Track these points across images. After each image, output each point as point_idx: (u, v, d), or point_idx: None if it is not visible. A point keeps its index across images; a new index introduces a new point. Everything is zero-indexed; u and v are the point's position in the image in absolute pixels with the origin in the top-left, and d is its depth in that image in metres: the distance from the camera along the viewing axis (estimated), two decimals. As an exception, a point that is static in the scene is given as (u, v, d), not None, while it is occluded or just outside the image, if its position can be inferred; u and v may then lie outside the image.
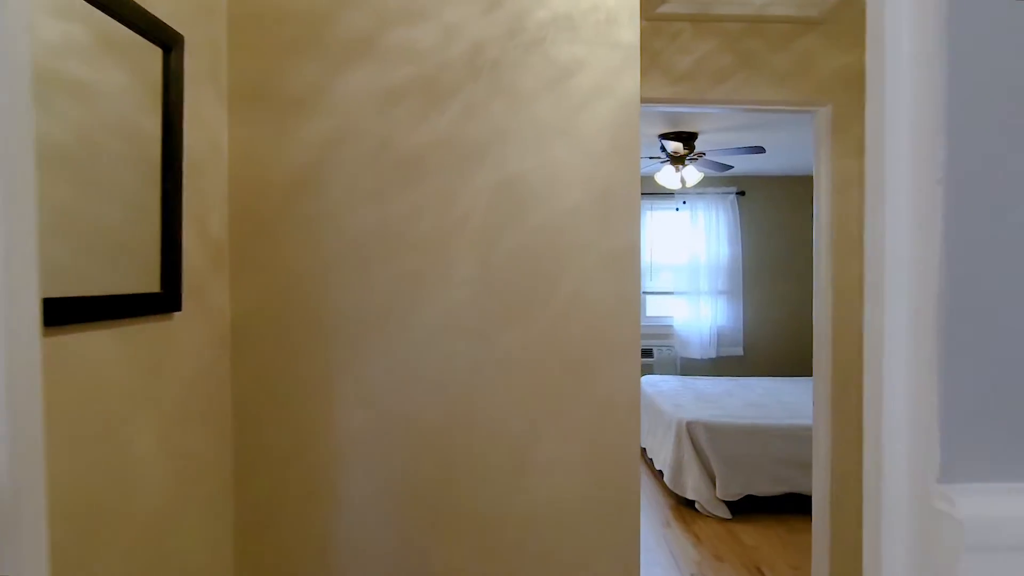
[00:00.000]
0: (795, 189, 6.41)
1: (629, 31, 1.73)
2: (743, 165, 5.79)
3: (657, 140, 4.65)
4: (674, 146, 4.38)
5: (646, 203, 6.35)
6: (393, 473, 1.73)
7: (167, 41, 1.41)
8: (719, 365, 6.46)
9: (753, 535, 3.82)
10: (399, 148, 1.73)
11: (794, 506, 4.14)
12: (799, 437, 4.09)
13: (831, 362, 2.52)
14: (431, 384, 1.73)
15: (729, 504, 4.14)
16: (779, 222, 6.43)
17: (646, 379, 5.77)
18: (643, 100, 2.33)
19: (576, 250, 1.73)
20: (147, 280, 1.36)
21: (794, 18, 2.44)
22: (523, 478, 1.74)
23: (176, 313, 1.45)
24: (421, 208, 1.73)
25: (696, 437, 4.25)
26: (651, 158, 4.63)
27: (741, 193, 6.40)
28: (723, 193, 6.35)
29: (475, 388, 1.73)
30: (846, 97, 2.50)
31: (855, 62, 2.50)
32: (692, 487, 4.20)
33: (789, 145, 4.89)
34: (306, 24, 1.73)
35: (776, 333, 6.45)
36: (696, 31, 2.52)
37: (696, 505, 4.20)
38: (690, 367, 6.49)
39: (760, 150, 4.36)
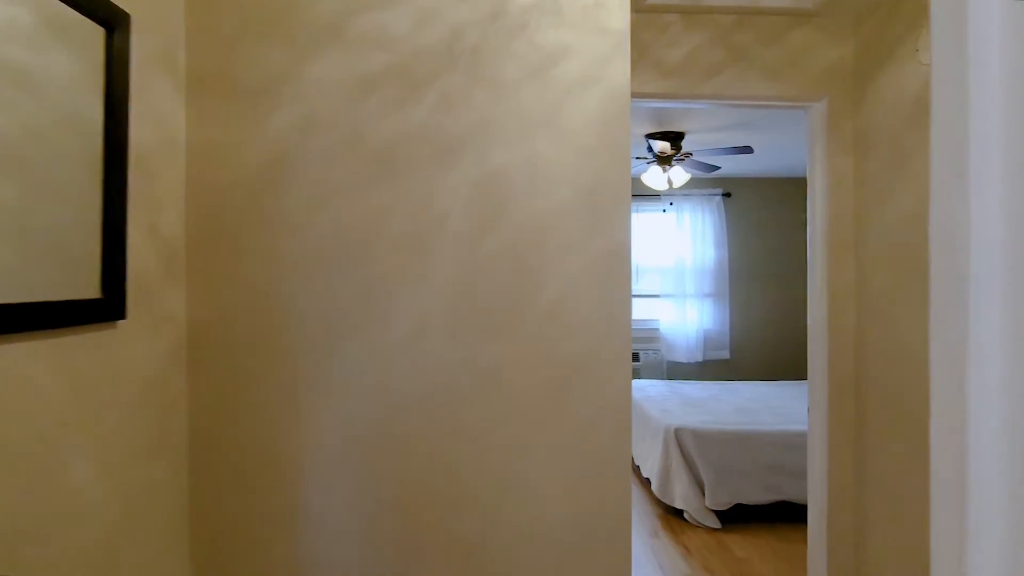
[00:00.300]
0: (781, 191, 6.37)
1: (618, 16, 1.62)
2: (729, 167, 5.73)
3: (643, 140, 4.56)
4: (661, 146, 4.29)
5: (632, 204, 6.26)
6: (367, 495, 1.59)
7: (110, 19, 1.27)
8: (706, 369, 6.39)
9: (744, 546, 3.73)
10: (371, 141, 1.60)
11: (784, 515, 4.06)
12: (789, 444, 4.01)
13: (827, 368, 2.43)
14: (407, 397, 1.60)
15: (718, 513, 4.04)
16: (765, 224, 6.38)
17: (633, 383, 5.67)
18: (632, 95, 2.22)
19: (563, 251, 1.61)
20: (85, 285, 1.22)
21: (787, 10, 2.36)
22: (507, 497, 1.61)
23: (120, 322, 1.30)
24: (395, 206, 1.60)
25: (684, 444, 4.15)
26: (637, 158, 4.54)
27: (727, 195, 6.34)
28: (709, 195, 6.29)
29: (454, 401, 1.60)
30: (841, 92, 2.42)
31: (850, 55, 2.42)
32: (680, 496, 4.10)
33: (776, 146, 4.83)
34: (271, 6, 1.59)
35: (763, 336, 6.40)
36: (686, 23, 2.42)
37: (685, 514, 4.10)
38: (677, 371, 6.41)
39: (748, 150, 4.29)
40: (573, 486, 1.61)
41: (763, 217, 6.39)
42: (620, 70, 1.61)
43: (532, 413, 1.61)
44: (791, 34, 2.43)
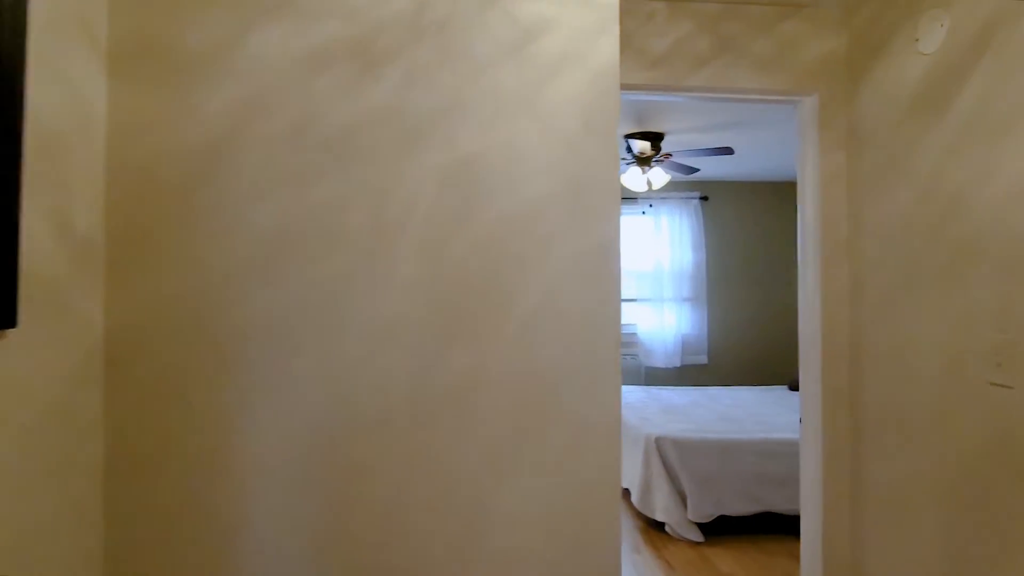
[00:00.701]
0: (758, 195, 6.33)
1: (605, -12, 1.45)
2: (707, 170, 5.65)
3: (623, 140, 4.43)
4: (641, 146, 4.16)
5: (609, 208, 6.12)
6: (317, 528, 1.38)
7: (-2, -36, 1.05)
8: (684, 374, 6.29)
9: (728, 560, 3.59)
10: (325, 125, 1.40)
11: (768, 526, 3.94)
12: (772, 452, 3.91)
13: (820, 377, 2.29)
14: (364, 417, 1.40)
15: (701, 526, 3.90)
16: (742, 228, 6.32)
17: (611, 391, 5.51)
18: (615, 83, 2.06)
19: (544, 249, 1.43)
20: (-37, 286, 0.99)
21: (777, -1, 2.23)
22: (479, 530, 1.42)
23: (10, 330, 1.08)
24: (352, 198, 1.40)
25: (665, 454, 4.01)
26: (616, 159, 4.40)
27: (704, 198, 6.27)
28: (686, 198, 6.21)
29: (420, 419, 1.41)
30: (833, 85, 2.30)
31: (842, 47, 2.30)
32: (662, 507, 3.95)
33: (756, 147, 4.75)
34: (208, -32, 1.39)
35: (740, 341, 6.33)
36: (672, 12, 2.27)
37: (666, 527, 3.95)
38: (654, 376, 6.30)
39: (728, 151, 4.19)
40: (555, 518, 1.43)
41: (740, 221, 6.34)
42: (607, 48, 1.44)
43: (508, 434, 1.42)
44: (781, 25, 2.30)
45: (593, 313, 1.46)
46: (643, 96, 2.38)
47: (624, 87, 2.24)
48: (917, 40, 1.90)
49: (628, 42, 2.26)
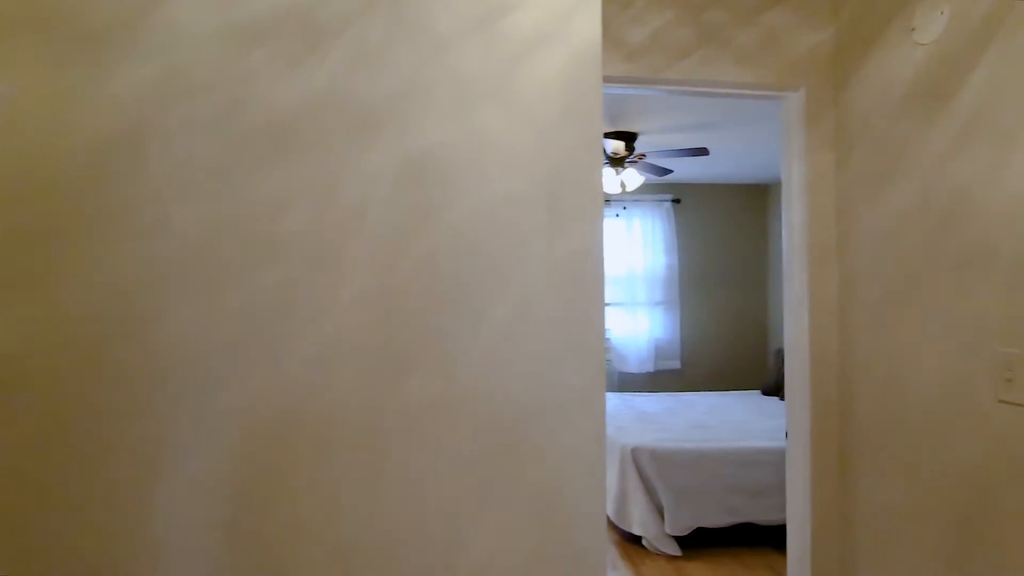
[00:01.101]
0: (731, 197, 6.28)
1: (584, -42, 1.27)
2: (680, 172, 5.56)
3: (595, 140, 4.27)
4: (615, 146, 4.02)
5: (581, 210, 5.98)
6: (250, 588, 1.17)
7: None
8: (657, 380, 6.19)
9: (707, 574, 3.46)
10: (258, 111, 1.19)
11: (745, 538, 3.84)
12: (749, 461, 3.82)
13: (809, 389, 2.16)
14: (310, 453, 1.19)
15: (678, 539, 3.77)
16: (715, 231, 6.26)
17: (584, 399, 5.36)
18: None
19: (517, 255, 1.24)
20: None
21: (762, -14, 2.09)
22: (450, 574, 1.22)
23: None
24: (291, 198, 1.19)
25: (642, 465, 3.87)
26: (589, 159, 4.25)
27: (677, 201, 6.18)
28: (659, 200, 6.11)
29: (377, 452, 1.20)
30: (820, 80, 2.17)
31: (829, 40, 2.17)
32: (638, 521, 3.81)
33: (730, 149, 4.66)
34: (115, -78, 1.16)
35: (713, 346, 6.26)
36: (651, -2, 2.12)
37: (643, 541, 3.81)
38: (627, 381, 6.18)
39: (704, 152, 4.08)
40: (532, 562, 1.24)
41: (712, 224, 6.27)
42: (588, 25, 1.26)
43: (476, 470, 1.23)
44: (767, 14, 2.16)
45: (574, 329, 1.27)
46: (620, 89, 2.21)
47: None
48: (913, 29, 1.78)
49: (604, 31, 2.09)
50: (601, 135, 1.23)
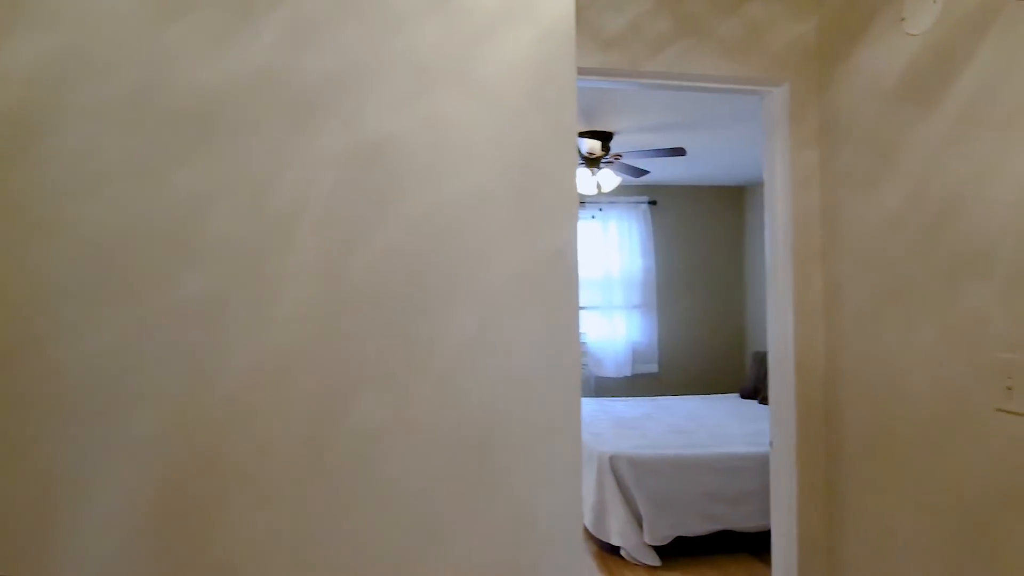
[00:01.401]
0: (708, 199, 6.23)
1: (555, -73, 1.13)
2: (656, 173, 5.48)
3: (570, 139, 4.15)
4: (590, 145, 3.91)
5: (556, 212, 5.86)
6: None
7: None
8: (634, 384, 6.10)
9: (688, 587, 3.35)
10: (177, 93, 1.03)
11: (726, 545, 3.76)
12: (729, 467, 3.75)
13: (795, 397, 2.06)
14: (232, 489, 1.03)
15: (657, 548, 3.66)
16: (692, 234, 6.20)
17: (561, 404, 5.23)
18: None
19: (480, 259, 1.10)
20: None
21: (744, -26, 1.98)
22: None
23: None
24: (217, 194, 1.03)
25: (620, 473, 3.76)
26: (564, 159, 4.12)
27: (653, 203, 6.10)
28: (635, 202, 6.03)
29: (313, 492, 1.05)
30: (804, 75, 2.07)
31: (812, 32, 2.08)
32: (617, 531, 3.70)
33: (707, 149, 4.58)
34: None
35: (691, 349, 6.20)
36: (628, -15, 2.00)
37: (622, 551, 3.70)
38: (604, 386, 6.09)
39: (681, 152, 3.99)
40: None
41: (690, 226, 6.22)
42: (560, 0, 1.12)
43: (434, 505, 1.08)
44: (749, 4, 2.06)
45: (547, 338, 1.13)
46: (596, 82, 2.09)
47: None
48: (903, 20, 1.69)
49: (579, 18, 1.97)
50: (575, 123, 1.10)
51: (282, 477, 1.04)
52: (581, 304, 6.00)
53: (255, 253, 1.03)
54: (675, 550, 3.71)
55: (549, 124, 1.10)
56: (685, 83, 2.09)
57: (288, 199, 1.05)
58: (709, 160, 4.97)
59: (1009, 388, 1.42)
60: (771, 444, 2.19)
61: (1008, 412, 1.42)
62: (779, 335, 2.13)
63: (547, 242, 1.12)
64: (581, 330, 5.98)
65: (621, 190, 5.97)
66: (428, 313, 1.09)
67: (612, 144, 4.23)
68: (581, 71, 1.99)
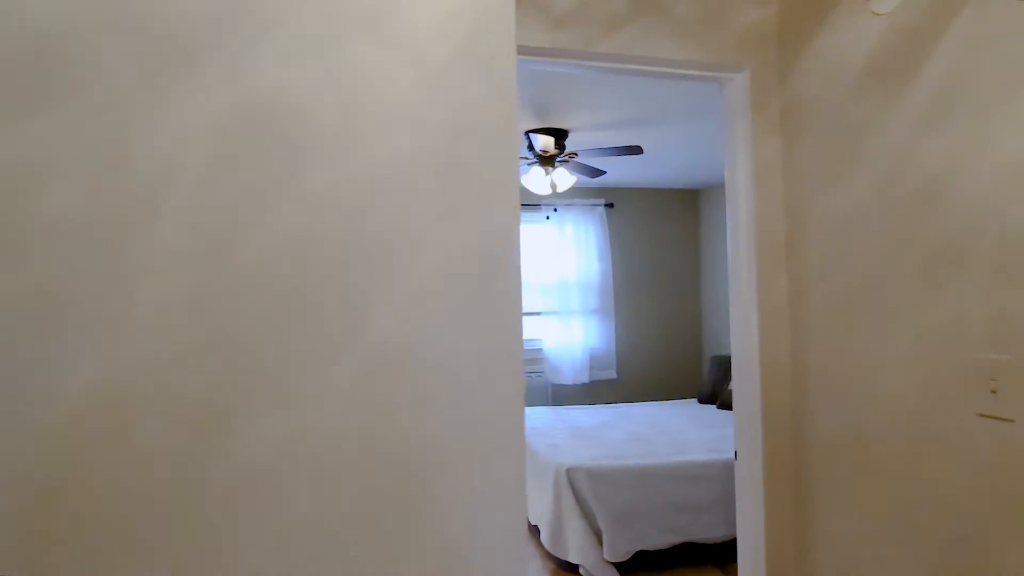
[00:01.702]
0: (665, 202, 6.19)
1: None
2: (613, 175, 5.38)
3: (523, 136, 3.99)
4: (544, 142, 3.75)
5: (511, 215, 5.70)
6: None
7: None
8: (592, 390, 5.97)
9: (649, 604, 3.20)
10: (5, 27, 0.79)
11: (688, 557, 3.63)
12: (689, 476, 3.63)
13: (761, 405, 1.92)
14: (95, 530, 0.79)
15: (618, 564, 3.51)
16: (649, 237, 6.14)
17: (517, 414, 5.05)
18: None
19: (400, 246, 0.90)
20: None
21: (703, -49, 1.85)
22: None
23: None
24: (63, 158, 0.80)
25: (577, 486, 3.60)
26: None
27: (610, 205, 6.01)
28: (591, 205, 5.92)
29: (182, 538, 0.82)
30: (766, 59, 1.96)
31: (773, 15, 1.96)
32: (575, 547, 3.53)
33: (664, 148, 4.50)
34: None
35: (649, 354, 6.12)
36: (579, -41, 1.84)
37: (580, 569, 3.52)
38: (561, 394, 5.93)
39: (637, 150, 3.88)
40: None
41: (647, 229, 6.15)
42: (495, -64, 0.93)
43: (346, 550, 0.86)
44: (707, -16, 1.93)
45: (484, 340, 0.94)
46: (544, 64, 1.92)
47: (521, 51, 1.77)
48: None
49: (527, -7, 1.79)
50: (515, 86, 0.91)
51: (142, 526, 0.81)
52: (536, 309, 5.83)
53: (104, 238, 0.80)
54: (636, 565, 3.56)
55: (485, 82, 0.91)
56: (642, 67, 1.94)
57: (150, 172, 0.82)
58: (667, 160, 4.90)
59: (993, 391, 1.30)
60: (736, 455, 2.05)
61: (991, 417, 1.30)
62: (743, 338, 2.00)
63: (483, 229, 0.93)
64: (536, 336, 5.81)
65: (578, 192, 5.85)
66: (335, 310, 0.88)
67: (567, 142, 4.09)
68: (529, 51, 1.82)
